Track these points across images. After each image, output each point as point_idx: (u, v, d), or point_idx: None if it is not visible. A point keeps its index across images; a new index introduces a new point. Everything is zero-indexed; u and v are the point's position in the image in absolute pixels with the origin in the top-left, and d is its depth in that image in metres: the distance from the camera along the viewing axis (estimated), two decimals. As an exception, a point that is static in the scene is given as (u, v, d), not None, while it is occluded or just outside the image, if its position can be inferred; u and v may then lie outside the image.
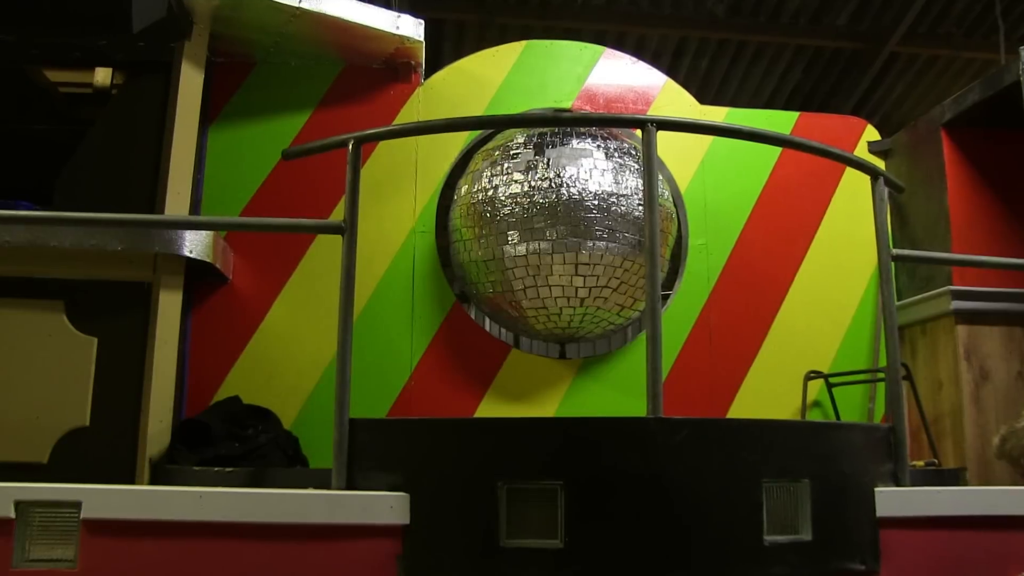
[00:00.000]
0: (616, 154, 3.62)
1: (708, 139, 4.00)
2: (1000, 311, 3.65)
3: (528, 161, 3.57)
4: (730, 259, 3.92)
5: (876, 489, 2.37)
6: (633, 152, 3.69)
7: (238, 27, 3.52)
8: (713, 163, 4.00)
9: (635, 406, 3.55)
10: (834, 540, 2.27)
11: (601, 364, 3.76)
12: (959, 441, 3.57)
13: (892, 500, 2.37)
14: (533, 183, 3.51)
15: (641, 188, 3.52)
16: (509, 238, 3.51)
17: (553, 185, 3.49)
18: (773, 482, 2.20)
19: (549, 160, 3.55)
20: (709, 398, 3.75)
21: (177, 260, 3.14)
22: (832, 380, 3.80)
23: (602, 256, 3.47)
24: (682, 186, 3.97)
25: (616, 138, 3.71)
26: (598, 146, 3.61)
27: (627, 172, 3.59)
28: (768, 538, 2.16)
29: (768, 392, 3.80)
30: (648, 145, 2.36)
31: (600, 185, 3.52)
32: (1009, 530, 2.43)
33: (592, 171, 3.53)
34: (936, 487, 2.67)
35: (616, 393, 3.71)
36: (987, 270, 3.65)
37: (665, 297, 3.81)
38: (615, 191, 3.53)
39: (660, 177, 3.74)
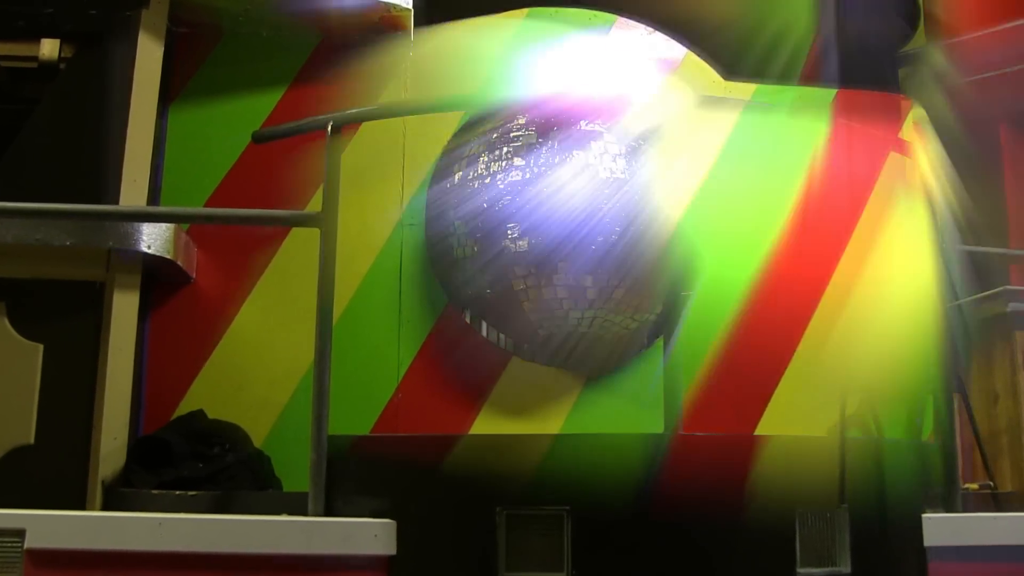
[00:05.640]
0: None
1: (731, 123, 3.99)
2: (1064, 314, 3.66)
3: (530, 144, 3.56)
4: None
5: (924, 515, 2.37)
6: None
7: (202, -7, 3.52)
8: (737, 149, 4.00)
9: (651, 421, 3.54)
10: (876, 573, 2.27)
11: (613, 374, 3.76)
12: (1017, 461, 3.57)
13: (942, 528, 2.38)
14: (536, 169, 3.51)
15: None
16: (509, 232, 3.51)
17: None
18: (807, 508, 2.20)
19: (554, 143, 3.54)
20: (735, 413, 3.74)
21: (133, 256, 3.14)
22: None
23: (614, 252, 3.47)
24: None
25: (630, 118, 3.71)
26: (610, 127, 3.61)
27: (643, 156, 3.59)
28: (802, 571, 2.16)
29: (802, 406, 3.79)
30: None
31: (612, 172, 3.51)
32: (1074, 562, 2.43)
33: (603, 156, 3.53)
34: (992, 513, 2.67)
35: (630, 407, 3.70)
36: (1049, 268, 3.66)
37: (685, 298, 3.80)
38: (629, 178, 3.52)
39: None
